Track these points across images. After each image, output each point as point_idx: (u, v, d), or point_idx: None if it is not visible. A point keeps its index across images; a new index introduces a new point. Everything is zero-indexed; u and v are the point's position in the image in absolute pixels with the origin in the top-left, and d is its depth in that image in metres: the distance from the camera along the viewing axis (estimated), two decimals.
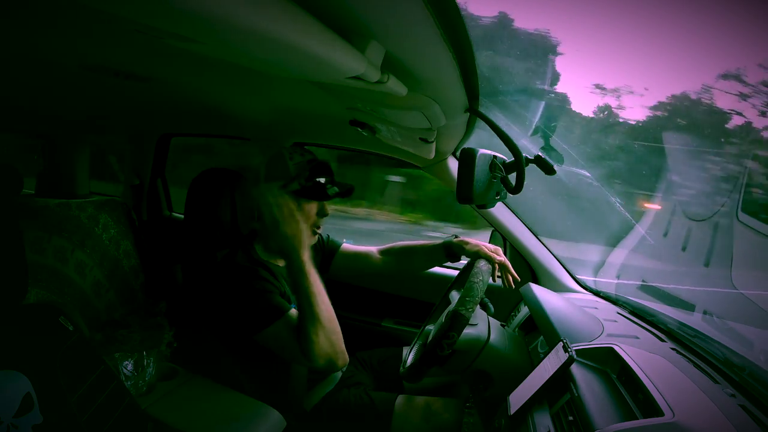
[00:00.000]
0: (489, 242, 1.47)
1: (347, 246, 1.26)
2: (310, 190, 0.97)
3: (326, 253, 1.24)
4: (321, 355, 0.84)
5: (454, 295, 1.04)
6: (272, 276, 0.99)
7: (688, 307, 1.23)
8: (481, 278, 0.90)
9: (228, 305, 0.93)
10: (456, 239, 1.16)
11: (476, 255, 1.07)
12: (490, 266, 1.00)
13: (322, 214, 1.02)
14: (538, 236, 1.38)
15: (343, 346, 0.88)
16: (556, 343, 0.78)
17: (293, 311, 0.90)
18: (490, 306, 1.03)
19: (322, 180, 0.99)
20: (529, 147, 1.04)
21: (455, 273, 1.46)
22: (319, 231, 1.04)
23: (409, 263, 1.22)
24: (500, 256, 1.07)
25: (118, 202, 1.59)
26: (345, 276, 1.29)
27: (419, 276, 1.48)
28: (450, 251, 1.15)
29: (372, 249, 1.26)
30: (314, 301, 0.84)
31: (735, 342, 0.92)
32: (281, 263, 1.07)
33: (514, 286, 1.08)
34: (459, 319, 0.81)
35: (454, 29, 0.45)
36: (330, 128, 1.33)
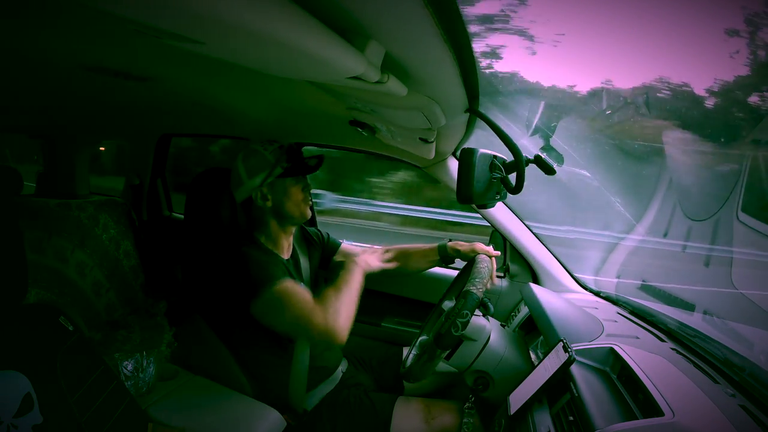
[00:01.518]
0: (489, 242, 1.48)
1: (346, 246, 1.31)
2: (293, 169, 1.06)
3: (326, 251, 1.29)
4: (324, 323, 0.89)
5: (447, 304, 1.05)
6: (278, 261, 1.04)
7: (688, 307, 1.24)
8: (486, 265, 0.95)
9: (229, 277, 0.98)
10: (450, 242, 1.21)
11: (473, 252, 1.12)
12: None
13: (307, 189, 1.10)
14: (539, 236, 1.38)
15: (346, 324, 0.92)
16: (556, 343, 0.78)
17: (291, 282, 0.95)
18: (490, 306, 1.03)
19: (299, 157, 1.08)
20: (529, 147, 1.04)
21: (455, 273, 1.46)
22: (311, 202, 1.12)
23: (405, 266, 1.26)
24: (494, 252, 1.13)
25: (118, 202, 1.59)
26: None
27: (419, 276, 1.49)
28: (444, 254, 1.20)
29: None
30: (349, 280, 0.99)
31: (735, 342, 0.92)
32: (284, 255, 1.11)
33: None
34: (471, 297, 0.83)
35: (454, 29, 0.45)
36: (330, 128, 1.33)
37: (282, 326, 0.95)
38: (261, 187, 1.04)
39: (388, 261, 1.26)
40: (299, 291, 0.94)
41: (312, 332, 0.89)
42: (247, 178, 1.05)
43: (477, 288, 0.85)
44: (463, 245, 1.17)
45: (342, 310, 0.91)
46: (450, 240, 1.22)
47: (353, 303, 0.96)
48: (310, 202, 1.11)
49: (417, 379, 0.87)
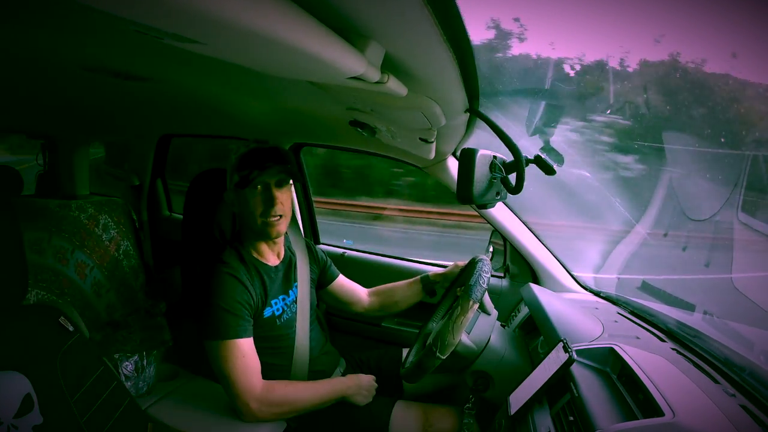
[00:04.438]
0: (489, 242, 1.48)
1: (342, 280, 1.30)
2: (242, 181, 0.95)
3: (323, 277, 1.27)
4: (243, 402, 0.90)
5: (433, 326, 1.05)
6: (258, 275, 1.01)
7: (688, 307, 1.24)
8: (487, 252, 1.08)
9: (202, 295, 0.97)
10: (431, 275, 1.25)
11: (456, 267, 1.19)
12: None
13: (270, 203, 0.96)
14: (539, 236, 1.38)
15: (270, 415, 0.93)
16: (557, 343, 0.78)
17: (238, 342, 0.91)
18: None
19: (257, 165, 0.95)
20: (529, 147, 1.04)
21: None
22: (275, 219, 0.98)
23: (392, 302, 1.29)
24: None
25: (118, 202, 1.59)
26: (332, 305, 1.33)
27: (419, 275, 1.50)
28: (427, 283, 1.25)
29: (362, 290, 1.32)
30: (319, 391, 0.99)
31: (735, 342, 0.92)
32: (271, 262, 1.08)
33: None
34: (483, 261, 0.96)
35: (454, 29, 0.45)
36: (330, 128, 1.33)
37: (218, 378, 0.94)
38: (228, 193, 1.02)
39: (376, 302, 1.29)
40: (242, 358, 0.91)
41: (232, 400, 0.92)
42: (228, 181, 1.04)
43: (484, 257, 0.97)
44: (443, 270, 1.22)
45: (279, 405, 0.93)
46: (429, 274, 1.26)
47: (300, 406, 0.96)
48: (274, 218, 0.97)
49: (413, 381, 0.87)
